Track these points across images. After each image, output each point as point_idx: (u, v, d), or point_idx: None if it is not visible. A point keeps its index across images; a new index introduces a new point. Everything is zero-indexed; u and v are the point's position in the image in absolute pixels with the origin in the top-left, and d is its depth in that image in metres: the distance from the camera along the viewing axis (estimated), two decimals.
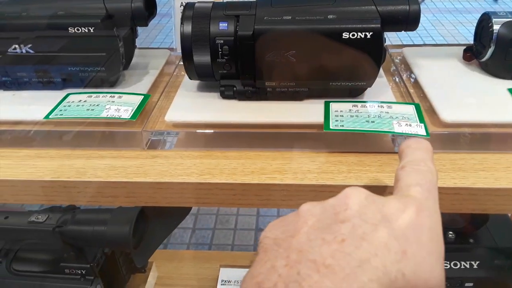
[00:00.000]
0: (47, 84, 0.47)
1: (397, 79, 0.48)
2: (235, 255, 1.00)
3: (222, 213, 1.43)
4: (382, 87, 0.44)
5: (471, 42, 0.49)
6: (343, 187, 0.36)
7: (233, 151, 0.40)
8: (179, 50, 0.55)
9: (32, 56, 0.45)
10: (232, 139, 0.41)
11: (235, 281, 0.78)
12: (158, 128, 0.42)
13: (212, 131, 0.41)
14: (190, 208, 0.57)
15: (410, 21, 0.39)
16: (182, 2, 0.53)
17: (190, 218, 1.41)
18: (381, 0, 0.39)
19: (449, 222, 0.54)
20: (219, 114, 0.42)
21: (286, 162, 0.39)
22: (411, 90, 0.46)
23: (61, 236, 0.58)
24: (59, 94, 0.46)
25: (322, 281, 0.19)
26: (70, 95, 0.45)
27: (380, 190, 0.35)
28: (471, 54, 0.48)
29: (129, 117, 0.41)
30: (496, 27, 0.43)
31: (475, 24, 0.47)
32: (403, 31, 0.41)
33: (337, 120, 0.39)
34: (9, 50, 0.44)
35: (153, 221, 0.56)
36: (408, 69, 0.50)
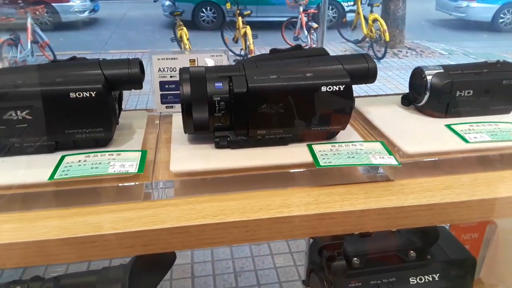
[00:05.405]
0: (38, 148, 0.48)
1: (356, 124, 0.57)
2: None
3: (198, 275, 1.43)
4: (348, 130, 0.53)
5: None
6: (341, 213, 0.43)
7: (236, 193, 0.45)
8: (159, 110, 0.60)
9: (28, 121, 0.46)
10: (233, 183, 0.46)
11: None
12: (162, 178, 0.46)
13: (220, 176, 0.45)
14: (174, 257, 0.58)
15: (370, 76, 0.49)
16: (160, 68, 0.59)
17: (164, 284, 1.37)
18: (345, 59, 0.49)
19: (408, 243, 0.62)
20: (220, 162, 0.46)
21: (287, 197, 0.44)
22: (371, 131, 0.55)
23: None
24: (48, 158, 0.47)
25: None
26: (66, 157, 0.47)
27: (371, 212, 0.42)
28: (408, 101, 0.60)
29: (136, 171, 0.44)
30: (429, 77, 0.54)
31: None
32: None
33: (324, 158, 0.46)
34: (4, 117, 0.45)
35: (140, 274, 0.56)
36: (362, 115, 0.59)
